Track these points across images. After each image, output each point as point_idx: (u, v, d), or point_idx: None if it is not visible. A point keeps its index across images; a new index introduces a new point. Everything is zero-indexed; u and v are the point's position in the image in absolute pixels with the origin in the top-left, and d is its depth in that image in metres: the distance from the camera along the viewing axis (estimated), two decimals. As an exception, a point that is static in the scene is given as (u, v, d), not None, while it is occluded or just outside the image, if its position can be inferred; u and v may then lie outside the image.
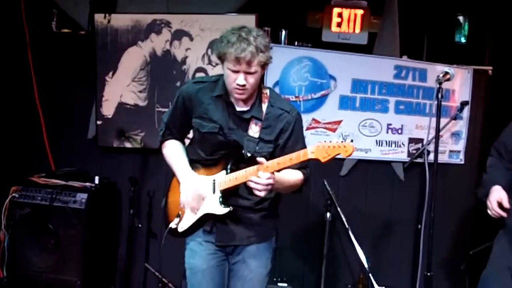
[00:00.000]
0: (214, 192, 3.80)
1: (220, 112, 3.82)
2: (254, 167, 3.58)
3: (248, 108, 3.80)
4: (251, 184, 3.56)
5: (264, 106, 3.81)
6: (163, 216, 4.15)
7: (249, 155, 3.69)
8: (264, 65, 3.64)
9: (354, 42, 6.13)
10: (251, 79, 3.62)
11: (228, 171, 3.75)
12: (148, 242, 6.05)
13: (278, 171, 3.62)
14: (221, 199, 3.78)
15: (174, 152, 4.04)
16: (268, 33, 5.97)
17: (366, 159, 6.09)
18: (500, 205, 4.13)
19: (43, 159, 6.09)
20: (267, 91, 3.88)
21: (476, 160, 6.05)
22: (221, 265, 3.99)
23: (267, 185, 3.54)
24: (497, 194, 4.17)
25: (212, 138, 3.84)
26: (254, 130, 3.78)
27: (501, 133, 4.52)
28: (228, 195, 3.80)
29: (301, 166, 3.81)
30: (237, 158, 3.75)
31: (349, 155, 3.39)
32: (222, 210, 3.77)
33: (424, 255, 5.15)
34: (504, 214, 4.12)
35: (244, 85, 3.61)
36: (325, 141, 3.45)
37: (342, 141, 3.40)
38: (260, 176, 3.53)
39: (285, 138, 3.80)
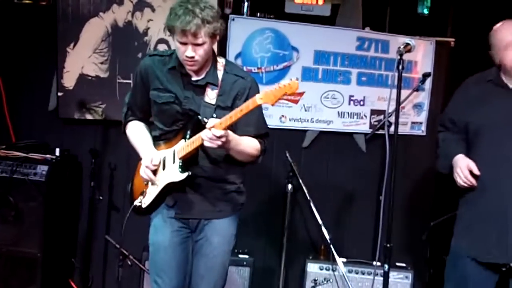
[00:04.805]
0: (174, 162, 3.81)
1: (175, 82, 3.85)
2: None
3: (203, 76, 3.82)
4: (202, 135, 3.55)
5: (220, 74, 3.84)
6: (130, 198, 4.16)
7: (206, 121, 3.67)
8: (213, 36, 3.65)
9: (317, 14, 6.07)
10: (200, 50, 3.64)
11: (187, 138, 3.75)
12: (109, 214, 6.04)
13: (232, 128, 3.65)
14: (180, 163, 3.77)
15: (136, 132, 4.06)
16: (230, 4, 5.94)
17: (328, 131, 6.12)
18: (470, 172, 4.12)
19: (3, 131, 5.99)
20: (223, 60, 3.91)
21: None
22: (184, 242, 4.02)
23: (218, 138, 3.51)
24: (464, 161, 4.16)
25: (169, 109, 3.86)
26: (210, 96, 3.80)
27: (446, 108, 4.60)
28: (188, 164, 3.79)
29: (257, 135, 3.85)
30: (195, 126, 3.74)
31: (295, 91, 3.34)
32: (181, 176, 3.76)
33: (384, 226, 5.19)
34: (475, 182, 4.12)
35: (193, 57, 3.64)
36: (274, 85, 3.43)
37: (289, 79, 3.37)
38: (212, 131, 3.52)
39: (241, 104, 3.78)
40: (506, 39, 4.08)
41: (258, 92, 3.80)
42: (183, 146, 3.76)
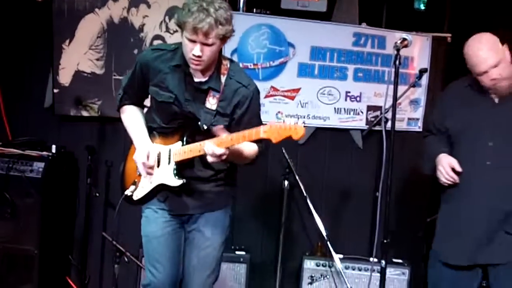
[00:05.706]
0: (169, 163, 3.81)
1: (177, 82, 3.81)
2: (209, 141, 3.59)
3: (206, 79, 3.78)
4: (206, 149, 3.55)
5: (223, 78, 3.79)
6: (120, 182, 4.18)
7: (205, 127, 3.69)
8: (223, 38, 3.61)
9: (313, 9, 6.04)
10: (208, 51, 3.59)
11: (184, 143, 3.76)
12: (106, 211, 6.06)
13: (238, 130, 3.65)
14: (175, 171, 3.79)
15: (132, 119, 4.04)
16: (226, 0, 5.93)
17: (325, 127, 6.11)
18: (453, 169, 4.18)
19: (-1, 128, 6.02)
20: (227, 62, 3.86)
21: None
22: (177, 232, 4.02)
23: (219, 156, 3.53)
24: (446, 159, 4.25)
25: (167, 108, 3.84)
26: (211, 102, 3.76)
27: (430, 115, 4.79)
28: (182, 167, 3.81)
29: (256, 140, 3.83)
30: (193, 130, 3.75)
31: (299, 138, 3.37)
32: (176, 182, 3.80)
33: (381, 222, 5.21)
34: (457, 178, 4.20)
35: (200, 56, 3.59)
36: (278, 121, 3.43)
37: (295, 123, 3.36)
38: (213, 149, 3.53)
39: (241, 113, 3.79)
40: (477, 70, 4.11)
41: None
42: (180, 151, 3.77)
